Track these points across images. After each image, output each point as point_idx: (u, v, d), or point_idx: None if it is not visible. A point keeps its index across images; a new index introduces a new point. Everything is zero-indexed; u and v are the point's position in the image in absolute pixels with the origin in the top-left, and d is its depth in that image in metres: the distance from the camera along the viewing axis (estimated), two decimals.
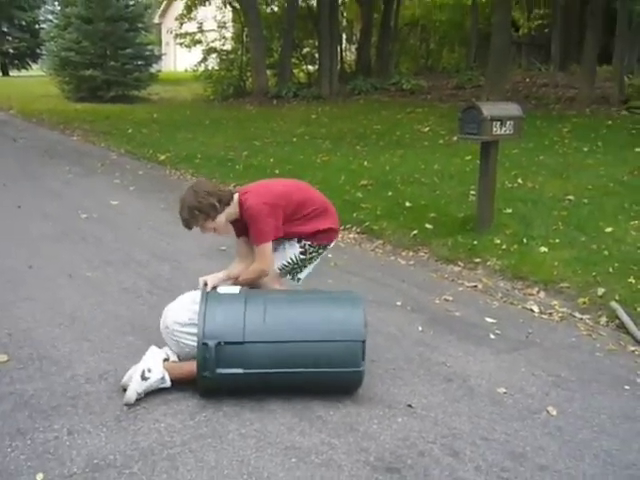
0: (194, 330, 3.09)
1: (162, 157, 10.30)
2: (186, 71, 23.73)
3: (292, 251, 3.62)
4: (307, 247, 3.64)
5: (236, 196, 3.48)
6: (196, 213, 3.36)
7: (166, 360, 3.21)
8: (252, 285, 3.53)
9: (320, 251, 3.70)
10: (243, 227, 3.53)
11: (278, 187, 3.61)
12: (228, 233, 3.61)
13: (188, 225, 3.43)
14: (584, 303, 4.50)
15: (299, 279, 3.73)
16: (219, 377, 3.01)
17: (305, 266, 3.70)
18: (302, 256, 3.64)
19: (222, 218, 3.44)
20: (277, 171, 8.65)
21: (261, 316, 3.12)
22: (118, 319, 4.06)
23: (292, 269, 3.67)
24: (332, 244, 3.80)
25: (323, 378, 3.14)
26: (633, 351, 3.89)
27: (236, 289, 3.37)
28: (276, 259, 3.59)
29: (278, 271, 3.63)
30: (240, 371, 3.02)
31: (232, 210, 3.46)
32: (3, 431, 2.83)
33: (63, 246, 5.60)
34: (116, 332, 3.87)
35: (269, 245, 3.44)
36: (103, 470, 2.59)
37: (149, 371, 3.06)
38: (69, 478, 2.54)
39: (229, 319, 3.10)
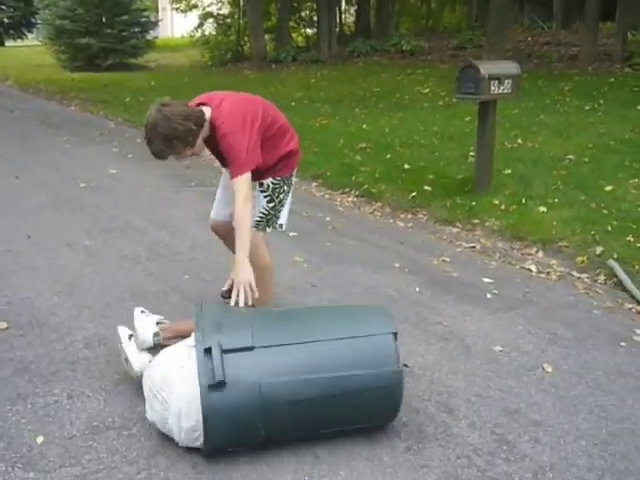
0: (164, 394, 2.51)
1: None
2: (183, 37, 23.46)
3: (259, 204, 3.28)
4: (271, 187, 3.27)
5: (207, 112, 3.07)
6: (174, 142, 2.94)
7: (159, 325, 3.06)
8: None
9: (285, 188, 3.34)
10: (214, 147, 3.17)
11: (248, 105, 3.19)
12: (202, 153, 3.23)
13: (162, 156, 3.01)
14: (582, 262, 4.50)
15: (281, 225, 3.42)
16: (229, 396, 2.38)
17: (279, 210, 3.36)
18: (270, 204, 3.31)
19: (200, 141, 3.06)
20: None
21: (271, 319, 2.72)
22: (117, 286, 4.08)
23: (268, 220, 3.34)
24: (295, 170, 3.43)
25: (357, 384, 2.49)
26: (630, 309, 3.90)
27: None
28: None
29: (256, 229, 3.26)
30: (255, 381, 2.40)
31: (205, 130, 3.06)
32: (4, 396, 2.86)
33: (62, 215, 5.60)
34: (116, 299, 3.89)
35: (248, 176, 3.04)
36: (102, 432, 2.63)
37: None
38: (69, 440, 2.57)
39: (233, 325, 2.61)
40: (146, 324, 2.99)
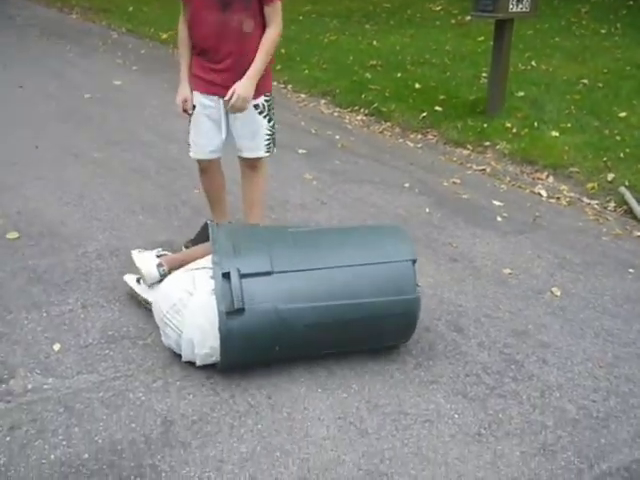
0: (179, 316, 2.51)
1: (164, 36, 9.97)
2: None
3: (261, 129, 3.09)
4: (266, 106, 3.07)
5: None
6: None
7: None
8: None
9: (272, 101, 3.15)
10: None
11: None
12: None
13: None
14: (593, 188, 4.48)
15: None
16: (246, 321, 2.36)
17: (275, 126, 3.19)
18: (271, 122, 3.11)
19: None
20: (283, 50, 8.38)
21: (289, 244, 2.61)
22: (127, 198, 4.07)
23: (274, 140, 3.18)
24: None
25: (374, 310, 2.49)
26: (639, 236, 3.90)
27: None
28: (255, 148, 3.12)
29: (268, 154, 3.18)
30: (272, 306, 2.39)
31: None
32: (19, 304, 2.90)
33: (68, 126, 5.53)
34: (125, 211, 3.89)
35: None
36: (118, 341, 2.67)
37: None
38: (85, 348, 2.62)
39: (250, 249, 2.55)
40: (147, 260, 2.92)
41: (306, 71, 7.54)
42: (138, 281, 2.95)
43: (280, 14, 2.93)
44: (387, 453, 2.16)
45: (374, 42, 8.86)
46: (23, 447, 2.12)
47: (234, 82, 2.88)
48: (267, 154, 3.16)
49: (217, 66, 2.93)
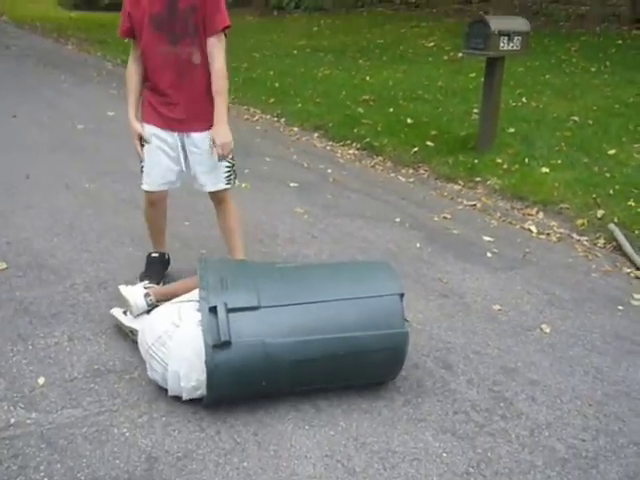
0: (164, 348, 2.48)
1: None
2: None
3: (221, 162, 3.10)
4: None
5: None
6: None
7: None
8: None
9: None
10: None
11: None
12: None
13: None
14: (583, 225, 4.50)
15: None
16: (233, 355, 2.35)
17: (234, 160, 3.19)
18: (229, 156, 3.08)
19: None
20: (277, 84, 8.49)
21: (276, 279, 2.62)
22: (116, 230, 4.06)
23: (235, 171, 3.21)
24: None
25: (362, 345, 2.47)
26: (628, 273, 3.91)
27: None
28: (216, 181, 3.14)
29: (231, 187, 3.20)
30: (259, 340, 2.37)
31: None
32: (4, 336, 2.87)
33: (60, 156, 5.54)
34: (115, 243, 3.88)
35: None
36: (103, 375, 2.64)
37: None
38: (70, 382, 2.59)
39: (237, 284, 2.54)
40: (133, 290, 2.94)
41: (299, 105, 7.61)
42: (125, 313, 2.93)
43: (224, 45, 2.97)
44: None
45: (367, 77, 8.97)
46: None
47: (188, 115, 2.98)
48: (228, 186, 3.20)
49: (171, 99, 2.99)
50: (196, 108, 2.98)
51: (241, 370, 2.37)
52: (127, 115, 3.09)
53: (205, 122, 2.99)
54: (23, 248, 3.75)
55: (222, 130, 2.96)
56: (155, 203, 3.30)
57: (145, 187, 3.21)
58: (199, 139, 3.04)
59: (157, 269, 3.43)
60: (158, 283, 3.23)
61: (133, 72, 3.04)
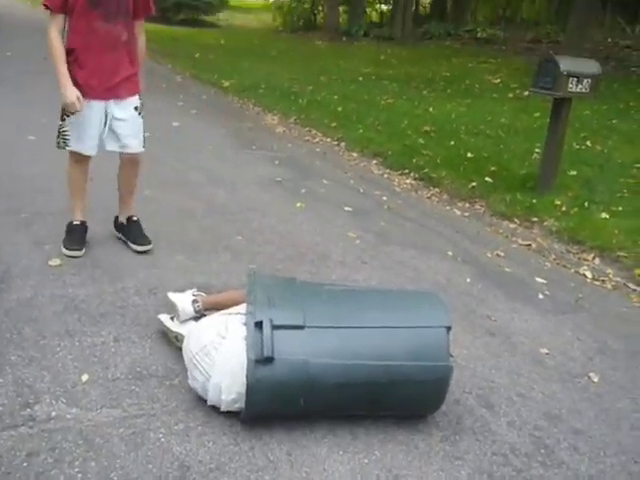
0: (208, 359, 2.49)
1: (226, 84, 10.27)
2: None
3: (142, 127, 3.75)
4: (139, 108, 3.72)
5: None
6: None
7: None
8: None
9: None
10: None
11: None
12: None
13: None
14: None
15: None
16: (275, 372, 2.35)
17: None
18: (143, 120, 3.76)
19: None
20: (340, 108, 8.55)
21: (324, 300, 2.63)
22: (171, 237, 4.12)
23: (144, 136, 3.80)
24: None
25: (404, 375, 2.45)
26: None
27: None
28: (138, 144, 3.75)
29: (143, 149, 3.79)
30: (302, 359, 2.37)
31: None
32: (53, 330, 2.93)
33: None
34: (167, 250, 3.93)
35: None
36: (145, 379, 2.67)
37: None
38: (112, 382, 2.62)
39: (285, 301, 2.57)
40: (182, 296, 2.99)
41: (361, 131, 7.64)
42: (172, 319, 2.96)
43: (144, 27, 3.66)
44: None
45: (430, 108, 8.96)
46: (39, 475, 2.11)
47: (115, 85, 3.49)
48: (144, 149, 3.77)
49: (101, 72, 3.44)
50: (121, 77, 3.51)
51: (281, 387, 2.37)
52: (60, 82, 3.37)
53: (129, 90, 3.58)
54: None
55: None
56: (81, 163, 3.74)
57: (73, 147, 3.62)
58: (124, 104, 3.57)
59: (78, 237, 3.75)
60: (80, 250, 3.67)
61: (59, 44, 3.37)
